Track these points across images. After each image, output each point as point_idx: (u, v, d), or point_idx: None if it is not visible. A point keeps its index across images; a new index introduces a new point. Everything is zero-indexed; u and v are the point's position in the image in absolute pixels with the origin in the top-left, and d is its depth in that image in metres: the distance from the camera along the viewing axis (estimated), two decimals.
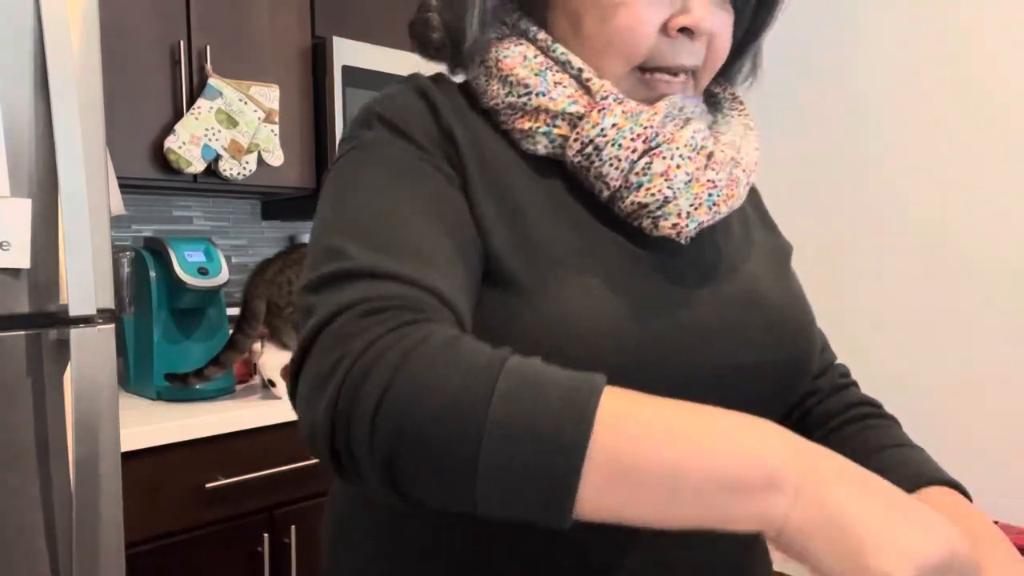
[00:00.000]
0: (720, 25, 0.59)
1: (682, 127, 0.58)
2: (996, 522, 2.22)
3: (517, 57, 0.59)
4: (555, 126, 0.58)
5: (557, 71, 0.59)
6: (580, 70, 0.58)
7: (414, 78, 0.61)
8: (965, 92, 2.32)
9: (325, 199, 0.55)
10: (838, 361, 0.77)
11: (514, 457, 0.38)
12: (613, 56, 0.58)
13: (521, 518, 0.39)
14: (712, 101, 0.69)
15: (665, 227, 0.56)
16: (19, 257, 1.09)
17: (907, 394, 2.44)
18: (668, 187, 0.56)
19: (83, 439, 1.13)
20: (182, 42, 1.74)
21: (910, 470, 0.60)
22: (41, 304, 1.12)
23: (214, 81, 1.77)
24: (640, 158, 0.56)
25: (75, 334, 1.12)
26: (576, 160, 0.58)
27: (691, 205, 0.56)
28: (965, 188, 2.32)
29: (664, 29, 0.57)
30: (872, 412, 0.70)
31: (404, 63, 2.08)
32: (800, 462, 0.38)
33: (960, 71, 2.32)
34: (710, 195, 0.57)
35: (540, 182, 0.59)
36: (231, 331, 1.76)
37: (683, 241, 0.58)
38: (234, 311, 1.85)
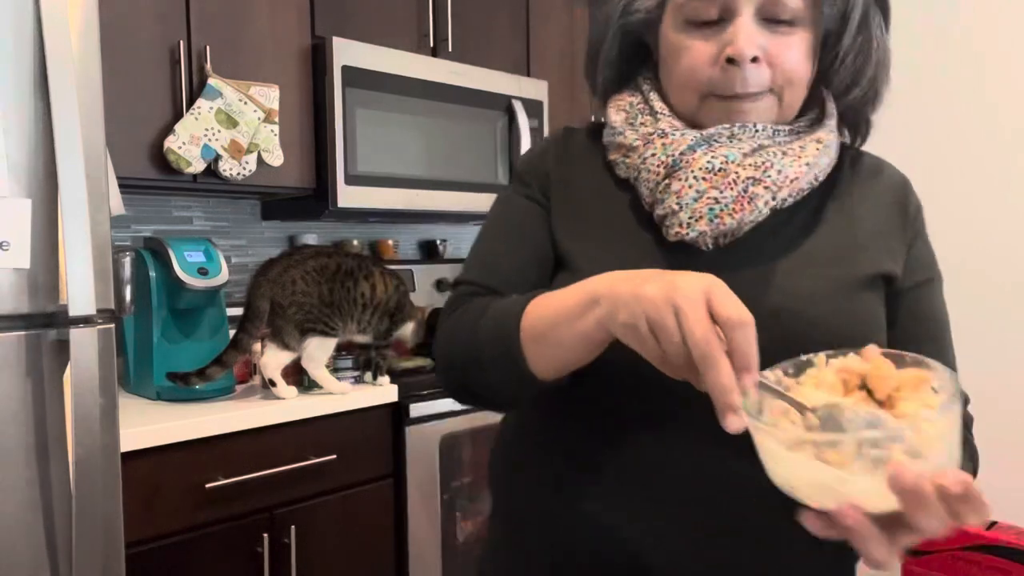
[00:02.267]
0: (777, 47, 0.69)
1: (710, 152, 0.69)
2: (995, 522, 2.22)
3: (623, 104, 0.77)
4: (627, 156, 0.75)
5: (647, 113, 0.75)
6: (659, 113, 0.74)
7: (561, 129, 0.85)
8: (962, 94, 2.32)
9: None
10: None
11: (494, 363, 0.67)
12: (684, 90, 0.72)
13: (517, 379, 0.66)
14: (818, 118, 0.76)
15: (671, 234, 0.70)
16: (19, 257, 1.09)
17: None
18: (677, 203, 0.69)
19: (83, 439, 1.13)
20: (182, 42, 1.74)
21: None
22: (41, 304, 1.12)
23: (214, 81, 1.77)
24: (662, 180, 0.70)
25: (75, 334, 1.12)
26: (634, 182, 0.74)
27: (690, 217, 0.68)
28: (962, 189, 2.32)
29: (718, 61, 0.69)
30: None
31: (404, 63, 2.08)
32: (606, 283, 0.59)
33: (960, 73, 2.32)
34: (711, 209, 0.68)
35: (617, 197, 0.76)
36: (231, 331, 1.76)
37: (703, 247, 0.70)
38: (234, 311, 1.85)
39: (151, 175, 1.72)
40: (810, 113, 0.76)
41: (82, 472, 1.12)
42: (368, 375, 1.88)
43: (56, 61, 1.09)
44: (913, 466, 0.45)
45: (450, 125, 2.18)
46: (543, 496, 0.75)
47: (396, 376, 1.90)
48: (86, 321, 1.13)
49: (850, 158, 0.79)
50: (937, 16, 2.33)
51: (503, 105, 2.30)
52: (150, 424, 1.45)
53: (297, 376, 1.79)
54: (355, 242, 2.36)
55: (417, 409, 1.85)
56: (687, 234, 0.69)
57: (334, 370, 1.85)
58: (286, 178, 1.94)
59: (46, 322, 1.13)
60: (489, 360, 0.67)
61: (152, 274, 1.71)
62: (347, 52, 1.96)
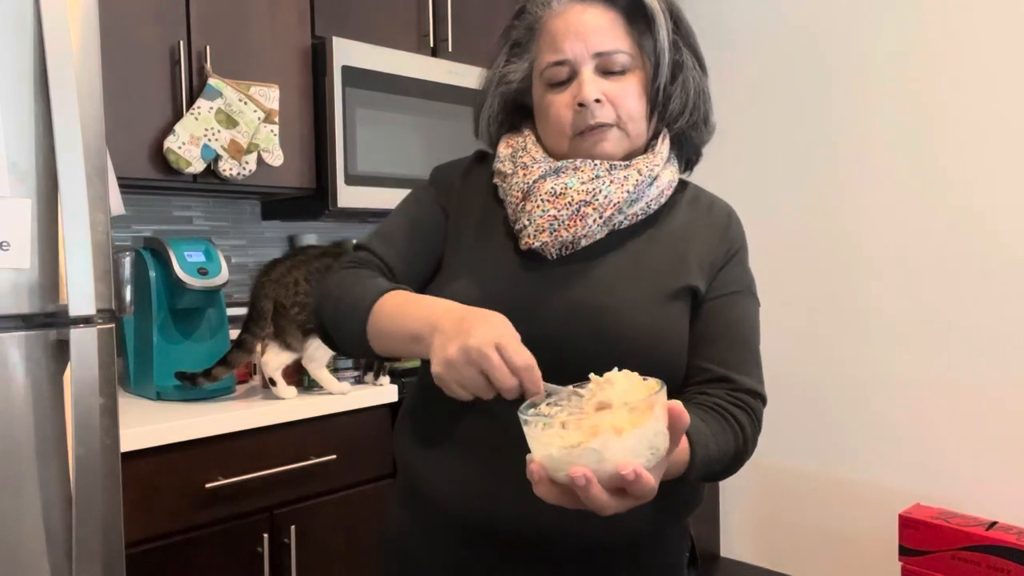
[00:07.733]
0: (614, 90, 0.90)
1: (555, 180, 0.89)
2: (996, 523, 2.22)
3: (512, 142, 0.97)
4: (503, 182, 0.95)
5: (524, 150, 0.95)
6: (530, 152, 0.94)
7: (476, 152, 1.04)
8: (964, 89, 2.32)
9: None
10: (746, 394, 0.88)
11: (347, 325, 0.88)
12: (555, 134, 0.93)
13: (358, 342, 0.87)
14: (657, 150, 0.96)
15: (522, 244, 0.90)
16: (19, 257, 1.09)
17: (908, 393, 2.44)
18: (527, 219, 0.90)
19: (83, 439, 1.13)
20: (182, 42, 1.75)
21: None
22: (41, 304, 1.12)
23: (214, 81, 1.77)
24: (520, 202, 0.91)
25: (75, 334, 1.12)
26: (505, 202, 0.95)
27: (536, 231, 0.89)
28: (975, 186, 2.32)
29: (572, 106, 0.90)
30: (708, 401, 0.86)
31: (404, 63, 2.08)
32: (437, 320, 0.76)
33: (959, 68, 2.32)
34: (551, 224, 0.88)
35: (496, 211, 0.96)
36: (231, 331, 1.76)
37: (548, 256, 0.90)
38: (233, 311, 1.85)
39: (151, 175, 1.72)
40: (648, 150, 0.95)
41: (82, 472, 1.12)
42: (368, 375, 1.88)
43: (56, 61, 1.09)
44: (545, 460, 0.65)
45: (450, 125, 2.18)
46: (415, 458, 0.94)
47: (396, 376, 1.90)
48: (86, 321, 1.13)
49: (691, 195, 0.99)
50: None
51: None
52: (150, 424, 1.45)
53: (297, 376, 1.79)
54: (355, 242, 2.36)
55: None
56: (534, 244, 0.89)
57: (334, 370, 1.85)
58: (286, 178, 1.95)
59: (46, 322, 1.13)
60: (344, 320, 0.88)
61: (152, 274, 1.71)
62: (347, 52, 1.96)
